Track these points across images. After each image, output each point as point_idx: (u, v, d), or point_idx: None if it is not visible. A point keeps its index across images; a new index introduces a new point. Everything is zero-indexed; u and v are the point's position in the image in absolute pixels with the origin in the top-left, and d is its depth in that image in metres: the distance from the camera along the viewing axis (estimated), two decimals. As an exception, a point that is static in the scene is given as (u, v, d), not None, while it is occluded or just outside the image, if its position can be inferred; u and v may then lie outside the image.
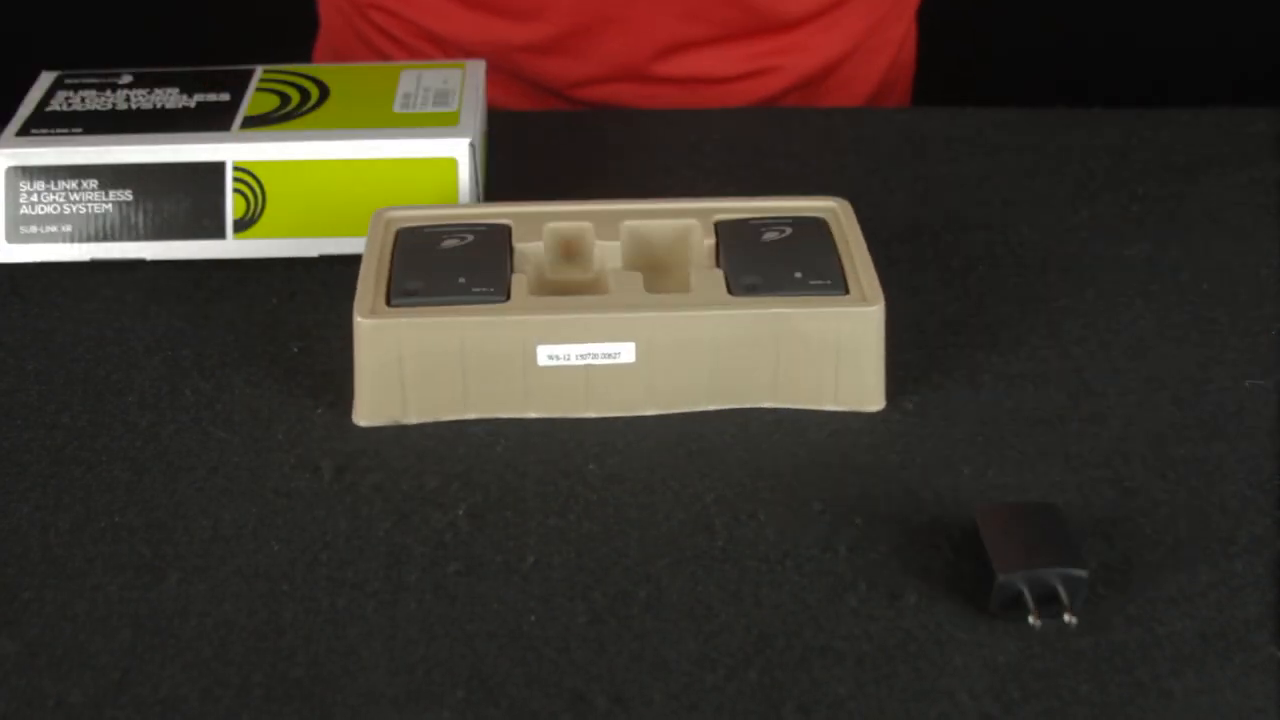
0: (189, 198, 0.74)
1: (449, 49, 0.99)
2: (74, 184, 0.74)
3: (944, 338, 0.69)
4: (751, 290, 0.64)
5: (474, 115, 0.76)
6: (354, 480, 0.61)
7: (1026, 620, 0.53)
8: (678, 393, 0.64)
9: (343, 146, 0.74)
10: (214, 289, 0.73)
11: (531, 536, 0.58)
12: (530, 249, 0.68)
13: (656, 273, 0.68)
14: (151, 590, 0.56)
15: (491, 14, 0.96)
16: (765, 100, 0.99)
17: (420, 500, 0.60)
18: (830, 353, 0.63)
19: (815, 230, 0.68)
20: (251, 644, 0.54)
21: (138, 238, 0.74)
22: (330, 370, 0.67)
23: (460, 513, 0.59)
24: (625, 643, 0.54)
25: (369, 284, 0.64)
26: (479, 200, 0.75)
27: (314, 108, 0.77)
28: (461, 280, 0.64)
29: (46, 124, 0.76)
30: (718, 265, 0.67)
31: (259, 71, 0.81)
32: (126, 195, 0.74)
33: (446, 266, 0.65)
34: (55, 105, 0.78)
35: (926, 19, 1.08)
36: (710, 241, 0.68)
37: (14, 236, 0.74)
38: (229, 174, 0.74)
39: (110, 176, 0.74)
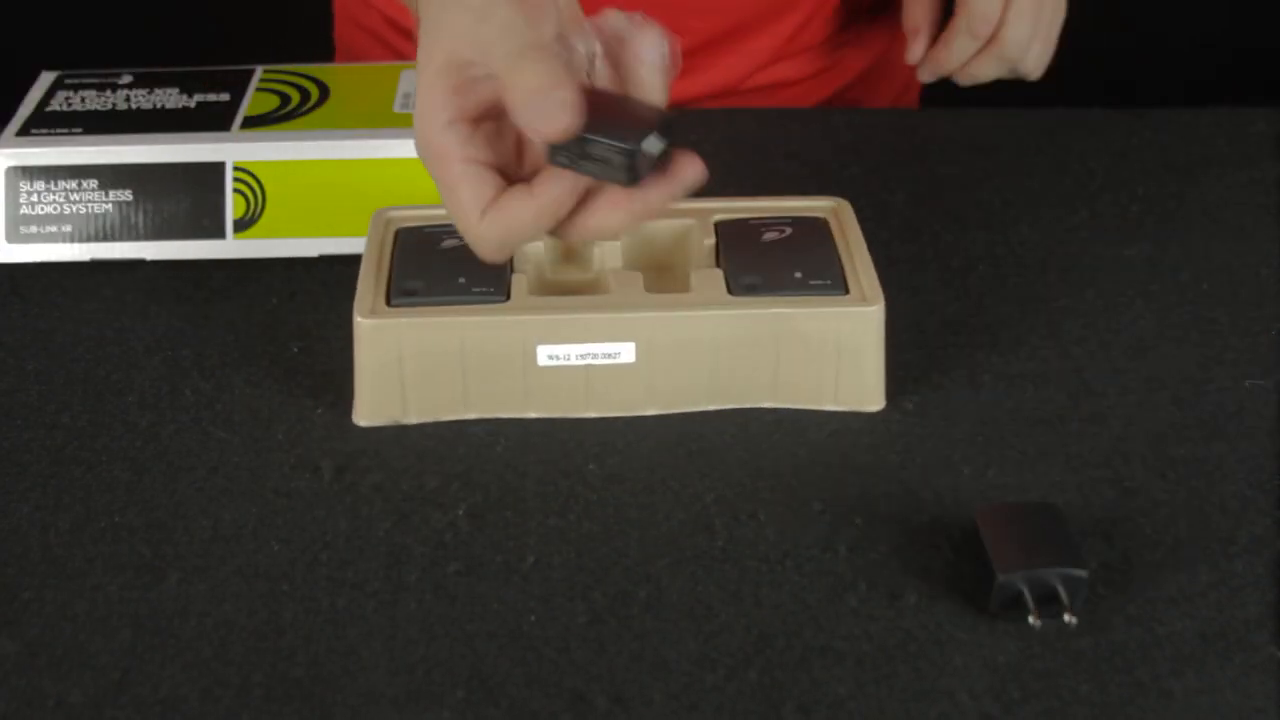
0: (189, 198, 0.74)
1: None
2: (74, 184, 0.74)
3: (944, 338, 0.69)
4: (751, 290, 0.64)
5: (474, 115, 0.76)
6: (354, 480, 0.61)
7: (1026, 620, 0.53)
8: (678, 393, 0.64)
9: (343, 146, 0.74)
10: (214, 289, 0.73)
11: (531, 536, 0.58)
12: (530, 249, 0.68)
13: (656, 273, 0.68)
14: (151, 590, 0.56)
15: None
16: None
17: (420, 500, 0.60)
18: (830, 353, 0.63)
19: (815, 230, 0.68)
20: (251, 644, 0.54)
21: (138, 238, 0.74)
22: (330, 370, 0.67)
23: (460, 513, 0.59)
24: (625, 643, 0.54)
25: (369, 284, 0.64)
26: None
27: (314, 108, 0.77)
28: (461, 280, 0.64)
29: (46, 124, 0.76)
30: (718, 265, 0.67)
31: (259, 71, 0.81)
32: (126, 195, 0.74)
33: (446, 266, 0.65)
34: (55, 105, 0.78)
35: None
36: (710, 241, 0.68)
37: (14, 236, 0.74)
38: (229, 174, 0.74)
39: (110, 176, 0.74)
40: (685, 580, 0.56)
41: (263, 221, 0.74)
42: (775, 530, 0.58)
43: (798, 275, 0.65)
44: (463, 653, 0.53)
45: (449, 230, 0.67)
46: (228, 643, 0.54)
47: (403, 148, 0.74)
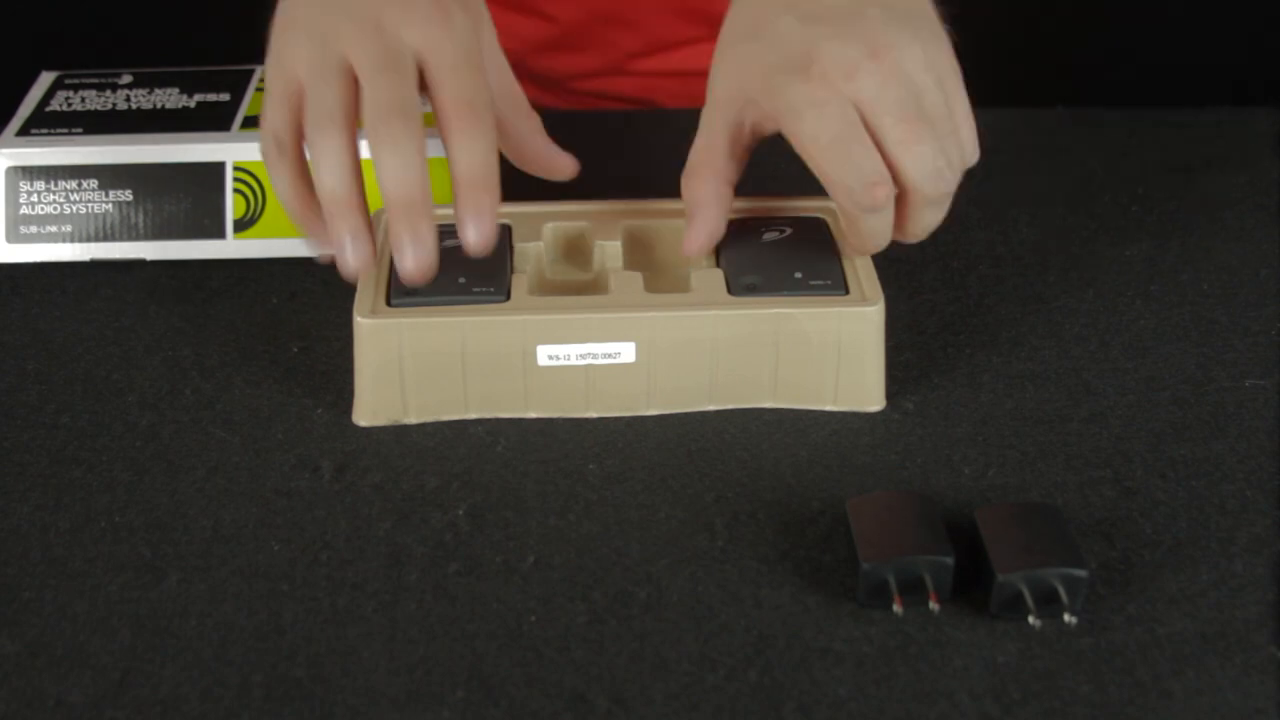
0: (189, 198, 0.74)
1: None
2: (74, 184, 0.74)
3: (944, 338, 0.69)
4: (751, 290, 0.64)
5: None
6: (354, 480, 0.61)
7: (1026, 620, 0.53)
8: (678, 393, 0.64)
9: (343, 146, 0.74)
10: (214, 289, 0.73)
11: (531, 536, 0.58)
12: (530, 249, 0.68)
13: (656, 273, 0.68)
14: (151, 590, 0.56)
15: (497, 8, 0.96)
16: None
17: (420, 500, 0.60)
18: (830, 353, 0.63)
19: (815, 230, 0.68)
20: (251, 644, 0.54)
21: (138, 238, 0.74)
22: (330, 370, 0.67)
23: (460, 513, 0.59)
24: (625, 643, 0.54)
25: (369, 284, 0.64)
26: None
27: (314, 108, 0.77)
28: (461, 280, 0.64)
29: (46, 124, 0.76)
30: (718, 265, 0.67)
31: (259, 71, 0.81)
32: (126, 195, 0.74)
33: (446, 266, 0.65)
34: (55, 105, 0.78)
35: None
36: (710, 241, 0.68)
37: (14, 236, 0.74)
38: (229, 174, 0.74)
39: (110, 176, 0.74)
40: (685, 580, 0.56)
41: (263, 221, 0.74)
42: (775, 530, 0.58)
43: (798, 275, 0.65)
44: (463, 653, 0.53)
45: (449, 230, 0.67)
46: (228, 643, 0.54)
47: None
